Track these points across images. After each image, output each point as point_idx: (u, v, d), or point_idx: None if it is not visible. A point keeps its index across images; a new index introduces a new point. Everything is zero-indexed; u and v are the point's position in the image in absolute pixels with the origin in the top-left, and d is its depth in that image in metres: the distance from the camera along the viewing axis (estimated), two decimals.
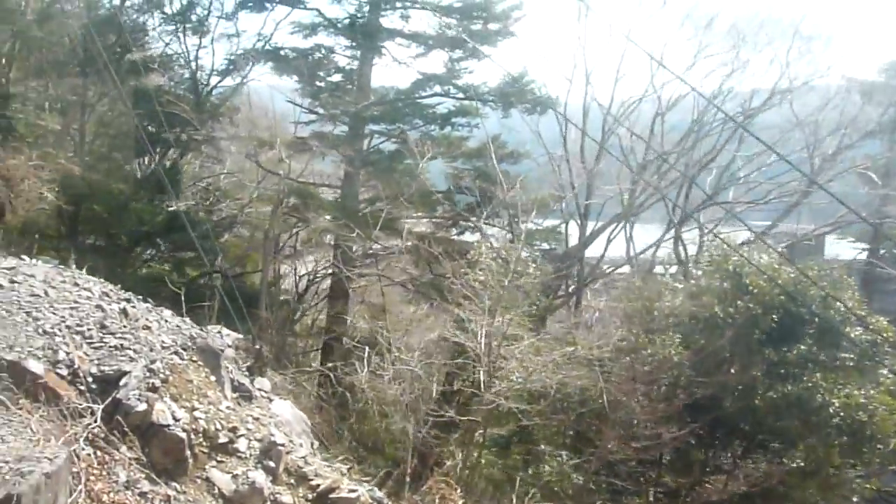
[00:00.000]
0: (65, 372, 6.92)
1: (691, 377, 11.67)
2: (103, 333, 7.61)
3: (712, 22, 18.65)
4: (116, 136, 17.93)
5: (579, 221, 18.61)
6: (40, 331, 7.19)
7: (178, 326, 8.91)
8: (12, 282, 8.17)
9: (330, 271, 20.41)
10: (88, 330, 7.53)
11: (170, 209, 19.27)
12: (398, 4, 20.43)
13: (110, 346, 7.43)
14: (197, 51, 19.14)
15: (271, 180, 23.36)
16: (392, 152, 20.49)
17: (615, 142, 19.33)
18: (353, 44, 20.31)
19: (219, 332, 10.04)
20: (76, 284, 9.07)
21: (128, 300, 9.25)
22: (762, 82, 18.42)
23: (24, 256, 10.17)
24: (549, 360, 10.95)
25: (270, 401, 9.29)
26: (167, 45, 17.93)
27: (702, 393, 11.40)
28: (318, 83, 19.79)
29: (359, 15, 20.39)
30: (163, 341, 8.21)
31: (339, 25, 20.01)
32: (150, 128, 17.61)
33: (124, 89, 17.80)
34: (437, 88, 20.52)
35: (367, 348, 12.70)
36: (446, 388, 14.23)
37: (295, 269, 19.11)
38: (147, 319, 8.58)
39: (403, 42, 20.63)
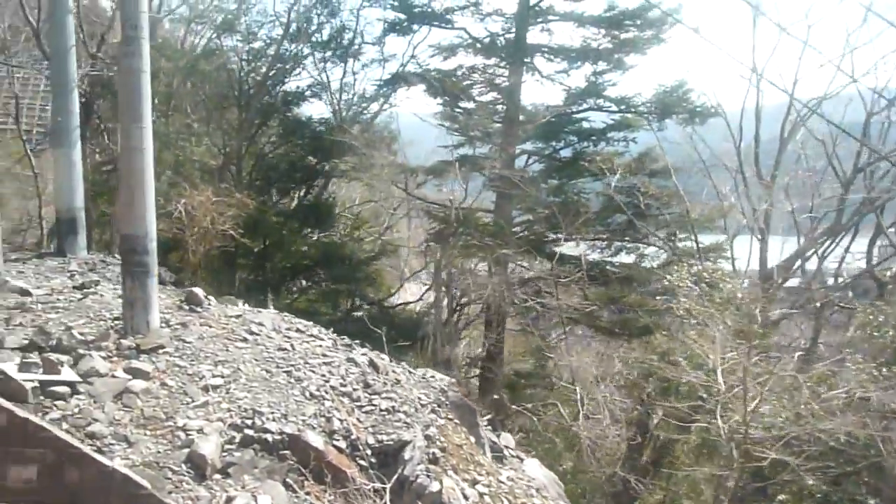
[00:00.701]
0: (343, 444, 5.75)
1: None
2: (369, 394, 6.42)
3: None
4: (271, 168, 17.27)
5: (759, 237, 16.57)
6: (307, 394, 6.05)
7: (424, 378, 7.66)
8: (252, 333, 7.10)
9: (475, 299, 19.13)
10: (354, 391, 6.36)
11: (323, 240, 18.57)
12: (539, 19, 19.11)
13: (381, 410, 6.22)
14: (342, 78, 18.36)
15: (405, 204, 22.56)
16: (543, 171, 19.06)
17: (793, 147, 17.26)
18: (501, 62, 19.06)
19: (431, 376, 8.74)
20: (299, 331, 8.00)
21: (349, 346, 8.11)
22: None
23: (210, 297, 9.15)
24: (820, 401, 9.14)
25: (521, 460, 7.88)
26: (319, 74, 17.21)
27: None
28: (466, 104, 18.60)
29: (500, 32, 19.19)
30: (419, 398, 6.95)
31: (483, 44, 18.80)
32: (309, 158, 16.89)
33: (279, 120, 17.19)
34: (590, 103, 18.95)
35: (577, 388, 11.18)
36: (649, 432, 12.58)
37: (440, 297, 17.81)
38: (394, 371, 7.35)
39: (549, 57, 19.23)
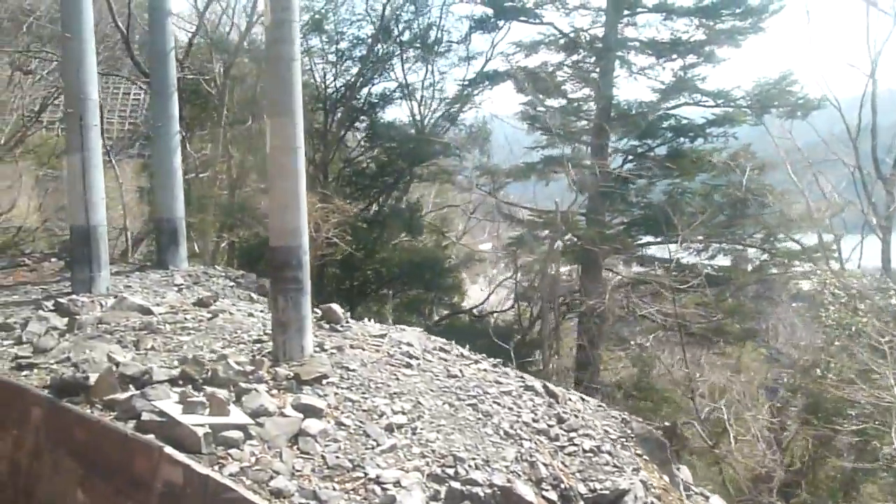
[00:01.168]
0: (553, 495, 4.72)
1: None
2: (565, 430, 5.37)
3: None
4: (357, 173, 16.42)
5: (881, 236, 15.14)
6: (501, 433, 5.01)
7: (600, 406, 6.56)
8: (411, 357, 6.11)
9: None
10: (550, 427, 5.30)
11: (409, 247, 17.69)
12: (627, 12, 17.88)
13: (585, 451, 5.15)
14: (423, 79, 17.44)
15: (481, 208, 21.50)
16: (637, 170, 17.84)
17: None
18: (587, 57, 17.95)
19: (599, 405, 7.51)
20: (443, 350, 6.99)
21: (497, 366, 7.04)
22: None
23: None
24: None
25: (706, 499, 6.71)
26: (405, 75, 16.31)
27: None
28: (554, 102, 17.53)
29: (587, 27, 18.06)
30: (605, 429, 5.86)
31: (571, 39, 17.68)
32: (399, 162, 15.98)
33: (366, 124, 16.33)
34: (684, 97, 17.66)
35: (723, 406, 9.95)
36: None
37: (546, 307, 16.60)
38: (569, 399, 6.27)
39: (640, 51, 18.01)
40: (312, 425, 4.61)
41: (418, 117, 16.45)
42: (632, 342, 16.68)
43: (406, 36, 16.22)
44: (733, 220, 17.39)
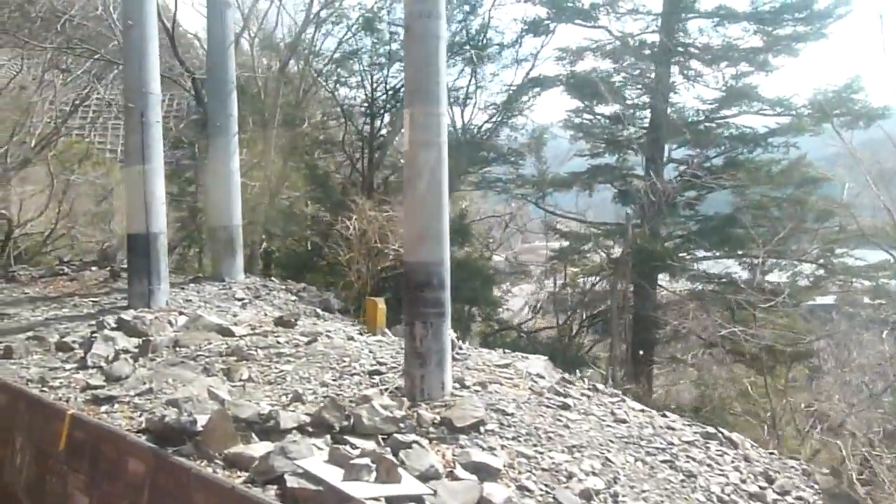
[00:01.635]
0: None
1: None
2: (778, 492, 4.32)
3: None
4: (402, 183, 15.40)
5: None
6: (714, 499, 3.95)
7: (772, 453, 5.50)
8: (559, 395, 5.06)
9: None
10: (761, 489, 4.25)
11: (460, 258, 16.64)
12: (683, 16, 16.90)
13: None
14: (468, 83, 16.37)
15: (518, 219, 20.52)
16: (693, 181, 16.74)
17: None
18: (642, 63, 16.96)
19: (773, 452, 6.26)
20: (566, 381, 5.96)
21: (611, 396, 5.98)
22: None
23: None
24: None
25: None
26: (455, 78, 15.30)
27: None
28: (605, 109, 16.55)
29: (638, 32, 17.08)
30: (792, 484, 4.78)
31: (624, 44, 16.70)
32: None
33: None
34: (742, 106, 16.66)
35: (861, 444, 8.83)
36: None
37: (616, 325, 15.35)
38: (747, 446, 5.21)
39: (696, 57, 17.01)
40: (495, 492, 3.56)
41: (463, 123, 15.43)
42: (688, 359, 15.63)
43: (458, 38, 15.21)
44: (799, 233, 16.34)
